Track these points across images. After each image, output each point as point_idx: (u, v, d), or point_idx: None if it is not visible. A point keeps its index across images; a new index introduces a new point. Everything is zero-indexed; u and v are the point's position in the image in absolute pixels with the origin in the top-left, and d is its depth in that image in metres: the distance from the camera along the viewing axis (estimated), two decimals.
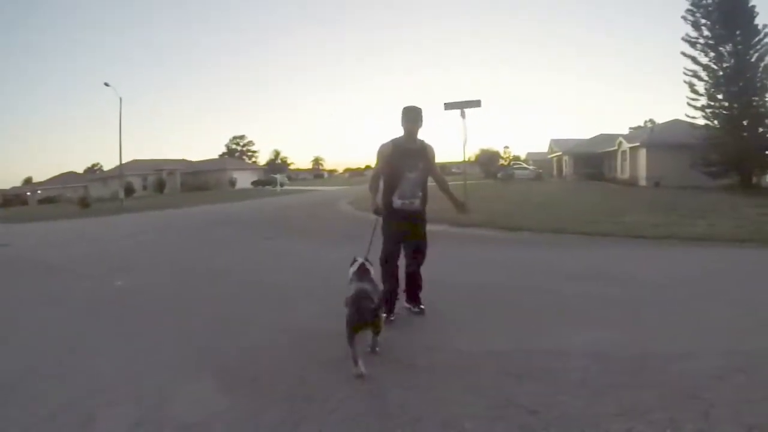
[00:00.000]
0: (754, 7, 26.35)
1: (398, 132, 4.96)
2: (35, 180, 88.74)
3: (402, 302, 5.13)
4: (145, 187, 61.87)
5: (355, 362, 3.60)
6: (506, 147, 76.78)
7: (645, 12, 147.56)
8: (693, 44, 27.95)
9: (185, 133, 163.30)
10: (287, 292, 6.39)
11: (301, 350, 4.24)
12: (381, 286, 4.54)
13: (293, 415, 3.04)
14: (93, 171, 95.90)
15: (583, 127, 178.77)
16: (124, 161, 42.54)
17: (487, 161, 62.19)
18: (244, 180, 66.90)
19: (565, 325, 4.62)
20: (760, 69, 26.12)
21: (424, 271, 5.11)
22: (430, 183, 4.99)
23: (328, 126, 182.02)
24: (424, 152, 4.96)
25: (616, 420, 2.81)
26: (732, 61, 26.80)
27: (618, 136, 41.22)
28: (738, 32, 26.44)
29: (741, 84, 26.44)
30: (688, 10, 28.01)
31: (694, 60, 27.94)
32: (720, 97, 27.46)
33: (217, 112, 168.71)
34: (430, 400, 3.16)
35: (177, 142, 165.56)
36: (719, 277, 6.76)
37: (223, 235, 14.22)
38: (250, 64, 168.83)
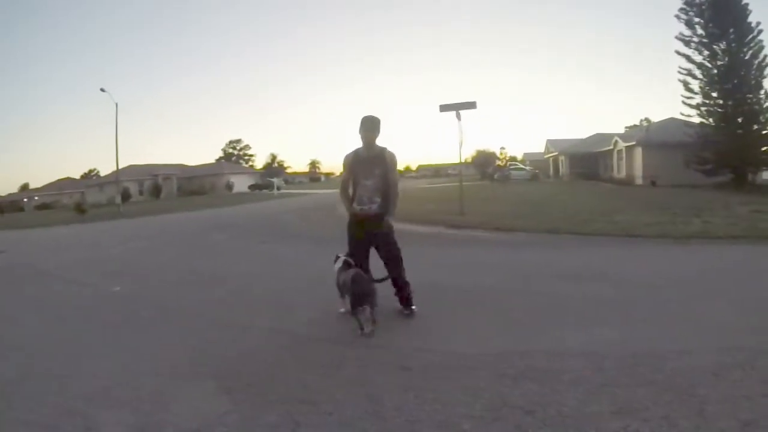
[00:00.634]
0: (747, 5, 26.47)
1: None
2: (32, 186, 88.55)
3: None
4: (141, 193, 61.84)
5: (362, 328, 4.51)
6: (502, 148, 76.56)
7: (639, 11, 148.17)
8: (687, 43, 28.06)
9: (181, 137, 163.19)
10: (284, 296, 6.39)
11: (299, 354, 4.24)
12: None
13: (291, 418, 3.05)
14: (89, 177, 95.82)
15: (579, 127, 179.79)
16: (120, 167, 42.43)
17: (484, 162, 62.15)
18: (240, 184, 66.87)
19: (561, 325, 4.63)
20: (754, 66, 26.23)
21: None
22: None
23: (325, 129, 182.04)
24: (381, 159, 5.14)
25: (611, 418, 2.83)
26: (726, 58, 26.90)
27: (614, 135, 41.31)
28: (731, 30, 26.54)
29: (735, 81, 26.53)
30: (681, 9, 28.15)
31: (688, 58, 28.06)
32: (714, 94, 27.56)
33: (214, 116, 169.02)
34: (426, 402, 3.17)
35: (173, 146, 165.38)
36: (714, 274, 6.80)
37: (220, 239, 14.21)
38: (246, 68, 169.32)
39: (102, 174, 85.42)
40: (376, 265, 5.14)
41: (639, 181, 32.83)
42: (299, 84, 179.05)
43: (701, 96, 27.88)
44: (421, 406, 3.13)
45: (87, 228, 22.75)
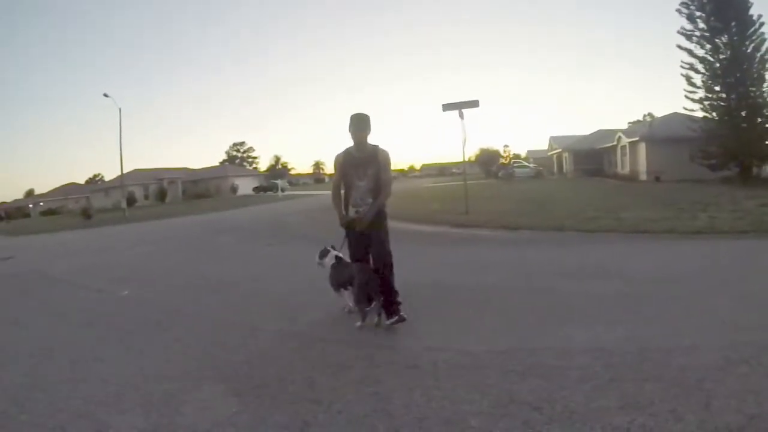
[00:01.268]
0: None
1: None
2: (37, 192, 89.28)
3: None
4: (146, 197, 61.99)
5: (363, 318, 4.80)
6: (506, 146, 76.81)
7: (640, 7, 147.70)
8: (689, 37, 27.89)
9: (186, 141, 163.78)
10: (291, 298, 6.41)
11: (307, 355, 4.27)
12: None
13: (300, 418, 3.09)
14: (94, 182, 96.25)
15: (582, 124, 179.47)
16: (125, 171, 42.70)
17: (487, 161, 62.12)
18: (245, 186, 66.94)
19: (567, 322, 4.65)
20: (756, 59, 26.04)
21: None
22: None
23: (328, 130, 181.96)
24: (374, 159, 4.94)
25: (618, 413, 2.85)
26: (728, 52, 26.71)
27: (617, 131, 41.11)
28: (733, 24, 26.37)
29: (738, 75, 26.35)
30: (682, 3, 27.96)
31: (691, 53, 27.87)
32: (717, 88, 27.37)
33: (217, 119, 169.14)
34: (434, 400, 3.20)
35: (177, 150, 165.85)
36: (721, 270, 6.79)
37: (227, 243, 14.26)
38: (249, 70, 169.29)
39: (107, 179, 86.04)
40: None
41: (643, 176, 32.70)
42: (302, 85, 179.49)
43: (704, 90, 27.70)
44: (428, 403, 3.16)
45: (93, 233, 22.84)
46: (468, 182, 17.95)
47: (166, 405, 3.45)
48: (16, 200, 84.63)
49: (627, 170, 36.18)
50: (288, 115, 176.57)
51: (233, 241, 14.62)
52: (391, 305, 4.82)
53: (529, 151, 76.47)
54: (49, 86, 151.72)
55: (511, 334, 4.43)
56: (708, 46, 27.33)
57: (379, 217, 4.95)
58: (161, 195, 62.32)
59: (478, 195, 21.94)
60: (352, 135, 4.94)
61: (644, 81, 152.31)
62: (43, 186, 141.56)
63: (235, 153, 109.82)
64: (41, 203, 72.38)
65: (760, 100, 26.14)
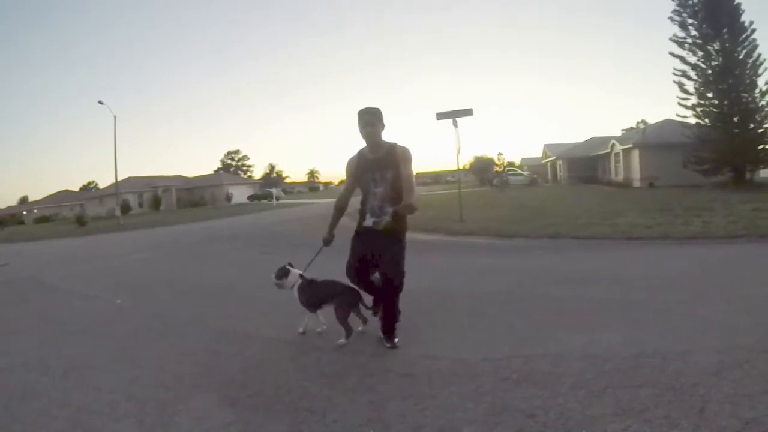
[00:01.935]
0: (739, 5, 26.53)
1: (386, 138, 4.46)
2: (31, 199, 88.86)
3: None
4: (141, 205, 61.82)
5: (348, 335, 4.52)
6: (500, 154, 76.96)
7: (633, 15, 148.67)
8: (681, 44, 28.14)
9: (180, 149, 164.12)
10: (287, 306, 6.35)
11: (303, 363, 4.25)
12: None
13: (295, 428, 3.08)
14: (88, 189, 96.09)
15: (576, 131, 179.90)
16: (119, 179, 42.58)
17: (482, 169, 62.25)
18: (239, 195, 66.85)
19: (562, 329, 4.65)
20: (748, 66, 26.27)
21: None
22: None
23: (323, 138, 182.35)
24: (391, 159, 4.31)
25: (613, 420, 2.85)
26: (720, 59, 26.95)
27: (611, 138, 41.37)
28: (725, 30, 26.61)
29: (730, 81, 26.58)
30: (674, 11, 28.24)
31: (683, 60, 28.13)
32: (710, 95, 27.59)
33: (212, 127, 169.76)
34: (428, 408, 3.19)
35: (172, 158, 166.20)
36: (715, 274, 6.83)
37: (221, 251, 14.22)
38: (244, 78, 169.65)
39: (101, 186, 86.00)
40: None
41: (637, 183, 32.87)
42: (297, 94, 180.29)
43: (697, 97, 27.95)
44: (423, 411, 3.15)
45: (88, 241, 22.76)
46: (462, 190, 17.97)
47: (160, 414, 3.43)
48: (9, 207, 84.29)
49: (621, 177, 36.36)
50: (283, 123, 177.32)
51: (228, 249, 14.59)
52: (393, 329, 4.45)
53: (523, 159, 76.71)
54: (44, 93, 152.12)
55: (506, 341, 4.42)
56: (700, 53, 27.61)
57: (398, 228, 4.31)
58: (155, 203, 62.14)
59: (472, 203, 22.01)
60: (362, 133, 4.35)
61: (637, 88, 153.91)
62: (37, 193, 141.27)
63: (229, 161, 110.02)
64: (35, 210, 72.02)
65: (753, 105, 26.37)
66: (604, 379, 3.42)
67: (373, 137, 4.33)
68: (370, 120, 4.29)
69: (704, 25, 27.15)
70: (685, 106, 28.32)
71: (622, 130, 61.74)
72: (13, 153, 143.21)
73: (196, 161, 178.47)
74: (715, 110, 27.28)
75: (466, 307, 5.75)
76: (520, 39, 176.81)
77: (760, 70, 26.12)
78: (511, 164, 77.43)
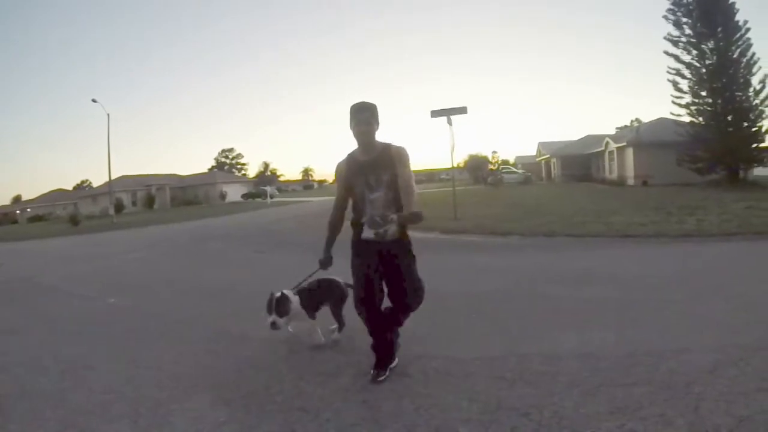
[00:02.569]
0: (734, 4, 26.62)
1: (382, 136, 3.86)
2: (24, 198, 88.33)
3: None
4: (134, 203, 61.59)
5: (341, 329, 4.60)
6: (494, 152, 77.04)
7: (628, 13, 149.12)
8: (675, 43, 28.23)
9: (174, 147, 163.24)
10: None
11: (297, 363, 4.25)
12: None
13: (289, 427, 3.06)
14: (82, 188, 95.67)
15: (570, 129, 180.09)
16: (113, 177, 42.39)
17: (476, 167, 62.25)
18: (234, 193, 66.70)
19: (556, 327, 4.66)
20: (742, 65, 26.37)
21: None
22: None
23: (317, 136, 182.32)
24: (388, 160, 3.71)
25: (607, 418, 2.85)
26: (714, 57, 27.04)
27: (605, 136, 41.44)
28: (719, 29, 26.69)
29: (724, 80, 26.67)
30: (669, 10, 28.32)
31: (677, 58, 28.22)
32: (704, 93, 27.68)
33: (206, 125, 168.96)
34: (423, 407, 3.18)
35: (165, 156, 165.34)
36: (709, 272, 6.85)
37: (216, 250, 14.18)
38: (238, 76, 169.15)
39: (94, 185, 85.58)
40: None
41: (631, 181, 32.94)
42: (291, 92, 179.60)
43: (691, 95, 28.04)
44: (417, 411, 3.14)
45: (82, 240, 22.64)
46: (457, 188, 17.97)
47: (154, 414, 3.41)
48: (3, 206, 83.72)
49: (615, 175, 36.44)
50: (277, 121, 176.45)
51: (223, 247, 14.56)
52: (391, 356, 3.89)
53: (517, 157, 76.70)
54: (37, 91, 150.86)
55: (501, 340, 4.42)
56: (694, 52, 27.72)
57: (405, 242, 3.78)
58: (149, 201, 61.93)
59: (467, 201, 22.01)
60: (354, 133, 3.72)
61: (632, 87, 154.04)
62: (30, 192, 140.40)
63: (224, 159, 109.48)
64: (28, 209, 71.68)
65: (746, 104, 26.48)
66: (598, 377, 3.42)
67: (367, 137, 3.71)
68: (365, 119, 3.67)
69: (698, 24, 27.23)
70: (679, 105, 28.44)
71: (617, 128, 62.12)
72: (7, 152, 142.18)
73: (190, 160, 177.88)
74: (709, 109, 27.38)
75: (460, 305, 5.75)
76: (514, 38, 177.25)
77: (754, 69, 26.26)
78: (505, 162, 77.50)
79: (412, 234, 3.83)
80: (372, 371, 3.76)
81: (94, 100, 37.29)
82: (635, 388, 3.20)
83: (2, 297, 8.92)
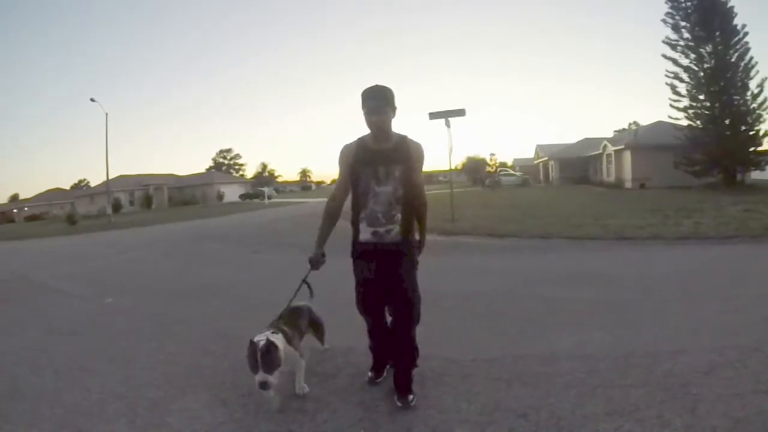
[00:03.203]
0: (732, 7, 26.74)
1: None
2: (21, 197, 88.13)
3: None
4: (132, 203, 61.44)
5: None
6: (492, 154, 76.75)
7: (626, 16, 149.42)
8: (673, 47, 28.34)
9: (172, 147, 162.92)
10: (278, 306, 6.32)
11: None
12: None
13: (287, 427, 3.07)
14: (79, 187, 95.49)
15: (568, 132, 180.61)
16: (110, 177, 42.29)
17: (474, 169, 62.30)
18: (231, 193, 66.59)
19: (554, 329, 4.66)
20: (740, 68, 26.48)
21: None
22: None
23: (315, 137, 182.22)
24: (404, 155, 3.30)
25: (604, 419, 2.85)
26: (712, 61, 27.15)
27: (603, 139, 41.54)
28: (717, 33, 26.80)
29: (722, 84, 26.76)
30: (667, 13, 28.45)
31: (675, 62, 28.33)
32: (701, 97, 27.78)
33: (204, 126, 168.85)
34: (420, 408, 3.19)
35: (163, 156, 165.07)
36: (705, 274, 6.86)
37: (213, 250, 14.15)
38: (236, 77, 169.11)
39: (92, 184, 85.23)
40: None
41: (628, 184, 33.01)
42: (289, 93, 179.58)
43: (688, 99, 28.15)
44: (415, 412, 3.15)
45: (79, 239, 22.56)
46: (454, 190, 17.97)
47: (150, 414, 3.41)
48: (0, 205, 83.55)
49: (612, 178, 36.50)
50: (275, 122, 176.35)
51: (221, 248, 14.53)
52: (410, 378, 3.42)
53: (515, 160, 76.74)
54: (35, 90, 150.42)
55: (498, 341, 4.42)
56: (692, 56, 27.82)
57: (407, 244, 3.42)
58: (147, 201, 61.78)
59: (464, 203, 21.99)
60: (367, 122, 3.26)
61: (630, 90, 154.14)
62: (27, 191, 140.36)
63: (221, 160, 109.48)
64: (26, 208, 71.45)
65: (744, 108, 26.59)
66: (595, 378, 3.43)
67: (382, 127, 3.26)
68: (379, 106, 3.21)
69: (697, 28, 27.34)
70: (677, 108, 28.56)
71: (614, 131, 62.02)
72: (4, 150, 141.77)
73: (188, 160, 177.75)
74: (706, 112, 27.48)
75: (457, 307, 5.75)
76: (512, 40, 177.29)
77: (752, 73, 26.40)
78: (503, 165, 77.39)
79: None
80: (369, 373, 3.74)
81: (92, 100, 37.17)
82: (632, 389, 3.21)
83: None
